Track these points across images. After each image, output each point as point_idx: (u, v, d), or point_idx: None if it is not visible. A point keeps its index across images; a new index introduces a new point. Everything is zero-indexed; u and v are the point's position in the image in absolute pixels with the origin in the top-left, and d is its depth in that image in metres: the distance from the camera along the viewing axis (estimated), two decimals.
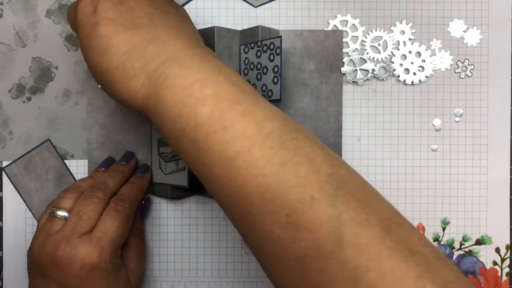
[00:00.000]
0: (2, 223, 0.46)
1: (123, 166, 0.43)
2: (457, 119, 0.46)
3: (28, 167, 0.46)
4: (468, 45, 0.46)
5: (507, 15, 0.46)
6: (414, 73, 0.46)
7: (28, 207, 0.46)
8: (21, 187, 0.46)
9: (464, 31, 0.46)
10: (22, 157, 0.46)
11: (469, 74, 0.46)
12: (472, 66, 0.46)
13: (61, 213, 0.38)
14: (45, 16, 0.46)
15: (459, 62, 0.46)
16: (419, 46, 0.46)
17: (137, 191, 0.42)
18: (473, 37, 0.46)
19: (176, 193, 0.45)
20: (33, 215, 0.46)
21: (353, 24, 0.46)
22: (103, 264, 0.36)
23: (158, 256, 0.47)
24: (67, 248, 0.36)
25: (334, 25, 0.46)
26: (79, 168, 0.46)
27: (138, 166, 0.45)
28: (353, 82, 0.46)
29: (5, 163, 0.46)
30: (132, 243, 0.42)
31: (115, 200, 0.39)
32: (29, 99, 0.46)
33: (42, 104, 0.46)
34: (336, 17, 0.46)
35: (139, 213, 0.44)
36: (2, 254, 0.46)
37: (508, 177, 0.46)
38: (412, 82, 0.46)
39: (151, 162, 0.45)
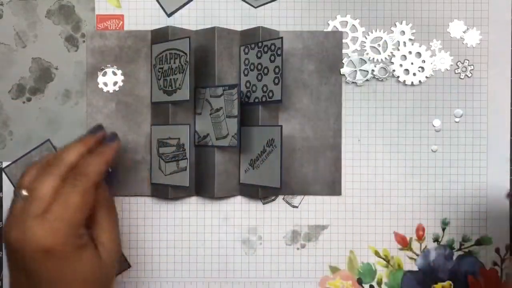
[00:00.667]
0: (2, 223, 0.46)
1: (89, 138, 0.39)
2: (457, 119, 0.46)
3: None
4: (468, 45, 0.46)
5: (507, 16, 0.46)
6: (414, 74, 0.46)
7: None
8: None
9: (464, 32, 0.46)
10: (22, 158, 0.46)
11: (469, 75, 0.46)
12: (472, 66, 0.46)
13: (22, 193, 0.35)
14: (45, 16, 0.46)
15: (459, 62, 0.46)
16: (419, 46, 0.46)
17: (97, 163, 0.37)
18: (473, 37, 0.46)
19: (176, 194, 0.45)
20: None
21: (353, 25, 0.46)
22: (59, 246, 0.33)
23: (158, 257, 0.47)
24: (19, 232, 0.33)
25: (334, 26, 0.46)
26: None
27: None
28: (353, 82, 0.46)
29: (5, 164, 0.46)
30: (100, 217, 0.38)
31: (72, 175, 0.36)
32: (29, 99, 0.46)
33: (42, 105, 0.46)
34: (336, 18, 0.46)
35: (105, 183, 0.40)
36: (2, 254, 0.46)
37: (508, 177, 0.46)
38: (412, 82, 0.46)
39: (151, 163, 0.45)
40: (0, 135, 0.46)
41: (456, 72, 0.46)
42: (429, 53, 0.46)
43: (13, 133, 0.46)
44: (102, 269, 0.36)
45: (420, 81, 0.46)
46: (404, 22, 0.46)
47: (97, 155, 0.38)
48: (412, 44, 0.46)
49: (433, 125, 0.46)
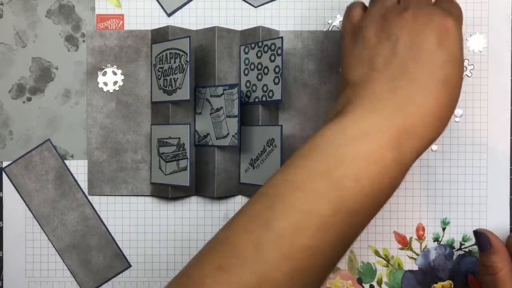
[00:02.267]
0: (2, 223, 0.46)
1: None
2: (457, 119, 0.46)
3: (28, 167, 0.46)
4: (475, 51, 0.46)
5: (507, 16, 0.46)
6: None
7: (28, 207, 0.46)
8: (21, 187, 0.46)
9: (467, 39, 0.46)
10: (22, 157, 0.46)
11: (469, 75, 0.46)
12: (472, 66, 0.46)
13: None
14: (45, 16, 0.46)
15: None
16: None
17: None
18: (477, 43, 0.46)
19: (176, 193, 0.45)
20: (33, 215, 0.46)
21: None
22: (456, 34, 0.32)
23: (158, 256, 0.47)
24: (423, 11, 0.32)
25: (334, 25, 0.46)
26: (79, 168, 0.46)
27: None
28: None
29: (5, 163, 0.46)
30: None
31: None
32: (29, 99, 0.46)
33: (42, 104, 0.46)
34: (336, 17, 0.46)
35: None
36: (2, 254, 0.46)
37: (508, 177, 0.46)
38: None
39: (151, 162, 0.45)
40: (0, 135, 0.46)
41: None
42: None
43: (13, 133, 0.46)
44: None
45: None
46: None
47: None
48: None
49: None
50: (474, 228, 0.46)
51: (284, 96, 0.43)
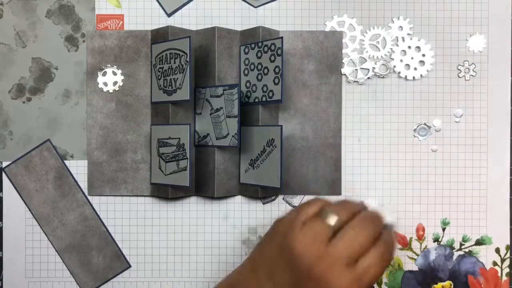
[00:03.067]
0: (2, 223, 0.46)
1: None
2: (457, 119, 0.46)
3: (28, 168, 0.46)
4: (473, 50, 0.46)
5: (507, 17, 0.46)
6: (415, 68, 0.46)
7: (28, 207, 0.46)
8: (21, 187, 0.46)
9: (467, 39, 0.46)
10: (22, 158, 0.46)
11: (473, 74, 0.46)
12: (474, 65, 0.46)
13: (332, 219, 0.33)
14: (45, 16, 0.46)
15: (460, 66, 0.46)
16: (418, 40, 0.46)
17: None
18: (477, 42, 0.46)
19: (176, 194, 0.45)
20: (33, 215, 0.46)
21: (350, 24, 0.46)
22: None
23: (158, 257, 0.47)
24: (332, 273, 0.31)
25: (332, 26, 0.46)
26: (79, 169, 0.46)
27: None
28: (354, 82, 0.46)
29: (5, 164, 0.46)
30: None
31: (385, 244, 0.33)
32: (29, 99, 0.46)
33: (42, 105, 0.46)
34: (332, 18, 0.46)
35: None
36: (2, 254, 0.46)
37: (508, 177, 0.46)
38: (414, 77, 0.46)
39: (151, 163, 0.45)
40: (0, 135, 0.46)
41: (460, 76, 0.46)
42: (429, 46, 0.46)
43: (13, 133, 0.46)
44: None
45: (421, 75, 0.46)
46: (401, 17, 0.46)
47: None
48: (411, 39, 0.46)
49: (433, 125, 0.46)
50: (474, 229, 0.46)
51: (284, 96, 0.43)
